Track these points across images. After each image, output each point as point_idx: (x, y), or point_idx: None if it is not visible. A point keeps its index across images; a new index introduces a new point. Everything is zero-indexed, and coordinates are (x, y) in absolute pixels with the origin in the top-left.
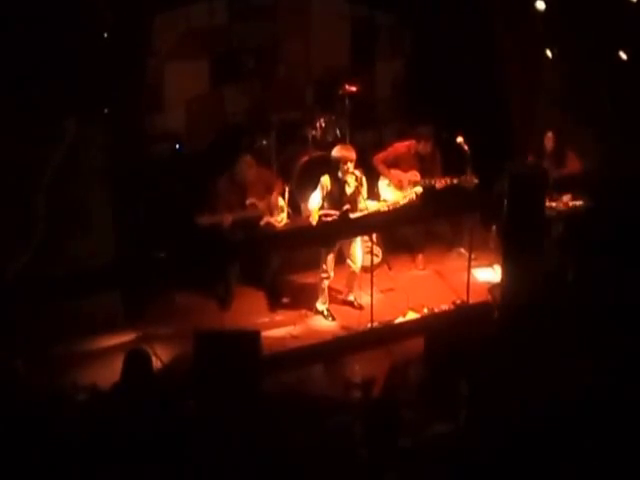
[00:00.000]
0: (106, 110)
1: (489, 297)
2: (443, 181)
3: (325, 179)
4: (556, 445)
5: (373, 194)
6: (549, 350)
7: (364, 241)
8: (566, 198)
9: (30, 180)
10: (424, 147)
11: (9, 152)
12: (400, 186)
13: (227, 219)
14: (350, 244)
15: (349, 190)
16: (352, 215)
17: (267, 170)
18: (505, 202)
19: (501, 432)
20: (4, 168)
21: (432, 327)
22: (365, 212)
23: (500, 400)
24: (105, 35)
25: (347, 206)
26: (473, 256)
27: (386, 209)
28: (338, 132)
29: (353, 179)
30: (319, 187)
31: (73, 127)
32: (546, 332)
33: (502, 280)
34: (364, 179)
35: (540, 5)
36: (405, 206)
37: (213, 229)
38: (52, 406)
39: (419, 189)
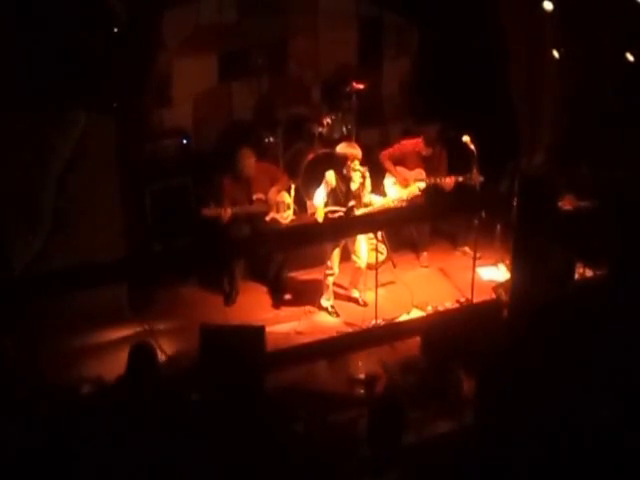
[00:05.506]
0: (115, 104)
1: (493, 296)
2: (449, 180)
3: (330, 175)
4: (562, 446)
5: (379, 191)
6: (559, 351)
7: (369, 238)
8: (572, 198)
9: (39, 171)
10: (426, 151)
11: (19, 144)
12: (405, 184)
13: (226, 213)
14: (355, 240)
15: (354, 186)
16: (357, 211)
17: (272, 165)
18: (515, 201)
19: (506, 432)
20: (14, 159)
21: (434, 324)
22: (370, 207)
23: (508, 400)
24: (115, 30)
25: (352, 202)
26: (478, 255)
27: (391, 205)
28: (344, 129)
29: (358, 175)
30: (323, 183)
31: (82, 120)
32: (557, 333)
33: (512, 279)
34: (367, 174)
35: (548, 6)
36: (410, 204)
37: (218, 224)
38: (57, 397)
39: (422, 184)
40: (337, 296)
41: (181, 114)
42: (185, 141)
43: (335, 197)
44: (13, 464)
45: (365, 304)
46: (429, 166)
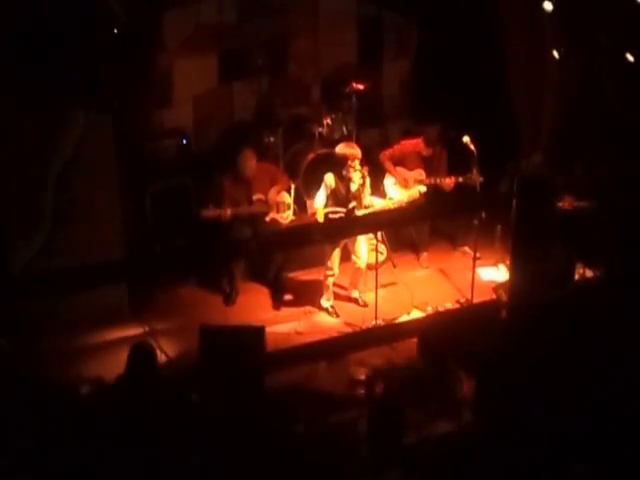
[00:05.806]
0: (115, 104)
1: (494, 296)
2: (449, 181)
3: (329, 177)
4: (561, 445)
5: (379, 192)
6: (558, 351)
7: (369, 239)
8: (570, 198)
9: (39, 171)
10: (426, 151)
11: (19, 143)
12: (405, 185)
13: (226, 214)
14: (355, 240)
15: (354, 187)
16: (357, 212)
17: (272, 165)
18: (514, 202)
19: (506, 432)
20: (14, 159)
21: (432, 325)
22: (370, 209)
23: (508, 400)
24: (115, 30)
25: (353, 204)
26: (478, 255)
27: (391, 207)
28: (345, 129)
29: (358, 176)
30: (323, 185)
31: (82, 119)
32: (556, 333)
33: (511, 280)
34: (367, 175)
35: (548, 6)
36: (410, 204)
37: (219, 225)
38: (56, 397)
39: (423, 188)
40: (337, 296)
41: (181, 114)
42: (185, 141)
43: (335, 198)
44: (12, 463)
45: (365, 304)
46: (429, 166)
